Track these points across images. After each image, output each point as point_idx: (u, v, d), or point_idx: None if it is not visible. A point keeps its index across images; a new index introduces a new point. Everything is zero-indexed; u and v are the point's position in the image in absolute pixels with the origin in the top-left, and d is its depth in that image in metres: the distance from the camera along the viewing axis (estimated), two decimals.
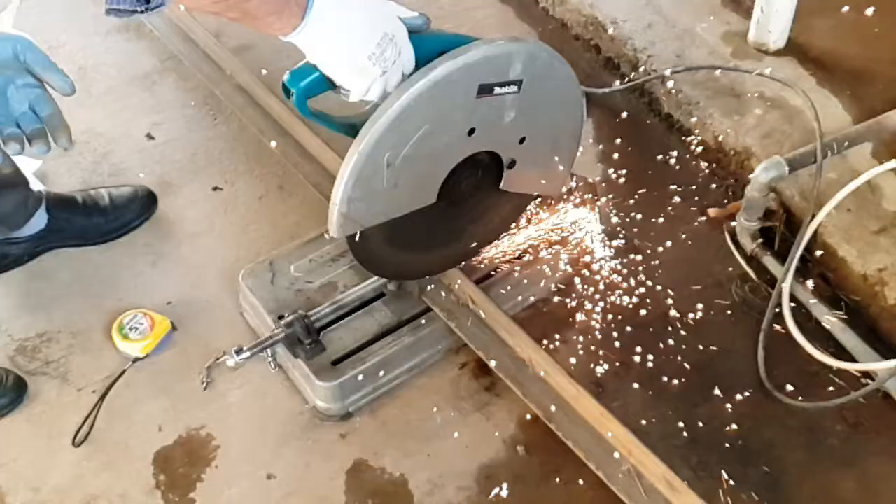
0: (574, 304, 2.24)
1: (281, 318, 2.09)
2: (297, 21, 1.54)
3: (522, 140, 1.92)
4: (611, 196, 2.47)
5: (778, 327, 2.15)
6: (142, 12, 1.36)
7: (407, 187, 1.82)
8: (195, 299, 2.34)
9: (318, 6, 1.54)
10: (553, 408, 1.94)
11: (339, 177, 1.72)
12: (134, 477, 2.01)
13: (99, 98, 2.93)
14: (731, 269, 2.36)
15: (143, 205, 2.54)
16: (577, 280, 2.28)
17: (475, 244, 2.14)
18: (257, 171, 2.65)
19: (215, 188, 2.65)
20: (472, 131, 1.81)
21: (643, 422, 2.03)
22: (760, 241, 2.34)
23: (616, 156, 2.56)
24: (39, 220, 2.39)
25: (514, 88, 1.78)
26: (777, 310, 2.15)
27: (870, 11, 2.73)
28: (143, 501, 1.97)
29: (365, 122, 1.68)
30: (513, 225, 2.20)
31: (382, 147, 1.70)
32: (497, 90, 1.76)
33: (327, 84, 1.67)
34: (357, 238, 1.85)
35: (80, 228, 2.45)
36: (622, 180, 2.51)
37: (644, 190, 2.50)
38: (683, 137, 2.66)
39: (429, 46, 1.70)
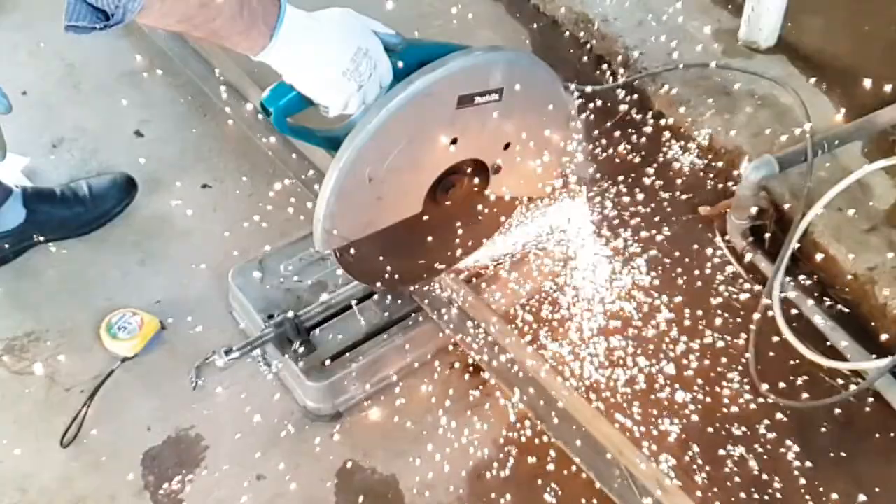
0: (564, 303, 2.24)
1: (271, 317, 2.08)
2: (265, 41, 1.53)
3: (507, 146, 1.91)
4: (601, 194, 2.46)
5: (768, 326, 2.15)
6: (101, 29, 1.36)
7: (391, 199, 1.82)
8: (184, 298, 2.32)
9: (287, 26, 1.53)
10: (544, 408, 1.94)
11: (321, 193, 1.72)
12: (123, 478, 1.99)
13: (87, 95, 2.92)
14: (721, 267, 2.36)
15: (123, 191, 2.53)
16: (567, 279, 2.28)
17: (465, 248, 2.13)
18: (247, 169, 2.64)
19: (204, 186, 2.63)
20: (454, 141, 1.80)
21: (633, 422, 2.03)
22: (751, 239, 2.35)
23: (606, 154, 2.55)
24: (17, 215, 2.38)
25: (494, 97, 1.77)
26: (767, 308, 2.15)
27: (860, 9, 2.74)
28: (132, 502, 1.96)
29: (346, 135, 1.68)
30: (503, 226, 2.19)
31: (363, 163, 1.70)
32: (478, 100, 1.75)
33: (306, 101, 1.66)
34: (344, 250, 1.85)
35: (62, 220, 2.44)
36: (612, 178, 2.51)
37: (635, 188, 2.49)
38: (674, 135, 2.65)
39: (408, 57, 1.69)
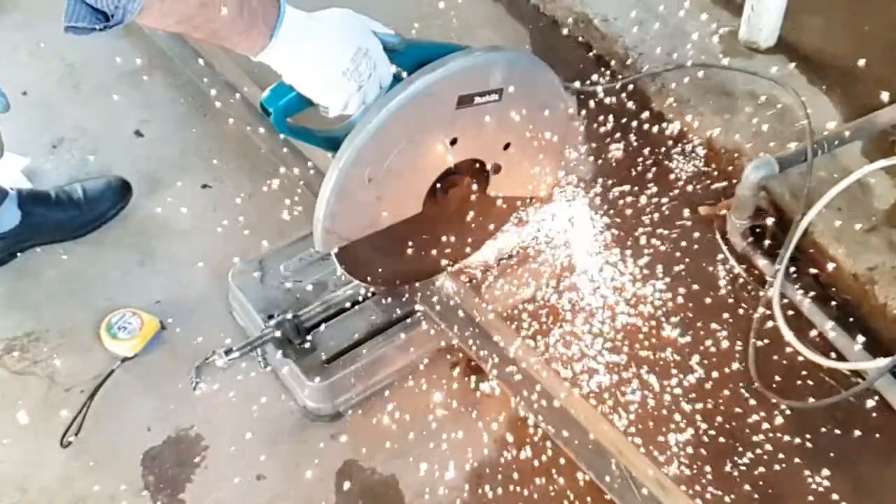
0: (564, 303, 2.24)
1: (271, 317, 2.08)
2: (265, 41, 1.53)
3: (507, 146, 1.91)
4: (601, 194, 2.47)
5: (769, 326, 2.15)
6: (100, 30, 1.36)
7: (391, 199, 1.82)
8: (184, 298, 2.32)
9: (287, 26, 1.53)
10: (544, 408, 1.94)
11: (321, 193, 1.72)
12: (122, 478, 1.99)
13: (87, 95, 2.92)
14: (721, 267, 2.36)
15: (118, 194, 2.52)
16: (567, 279, 2.28)
17: (466, 248, 2.13)
18: (247, 169, 2.64)
19: (204, 186, 2.63)
20: (454, 141, 1.80)
21: (633, 422, 2.03)
22: (751, 239, 2.35)
23: (606, 154, 2.56)
24: (12, 217, 2.37)
25: (494, 97, 1.77)
26: (768, 308, 2.15)
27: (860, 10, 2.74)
28: (132, 502, 1.96)
29: (346, 135, 1.68)
30: (503, 226, 2.19)
31: (363, 163, 1.70)
32: (477, 100, 1.76)
33: (306, 102, 1.66)
34: (344, 249, 1.85)
35: (56, 222, 2.44)
36: (612, 178, 2.51)
37: (635, 188, 2.49)
38: (674, 136, 2.65)
39: (408, 58, 1.69)
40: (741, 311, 2.25)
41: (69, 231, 2.46)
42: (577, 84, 2.75)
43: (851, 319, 2.19)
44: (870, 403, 2.05)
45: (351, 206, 1.76)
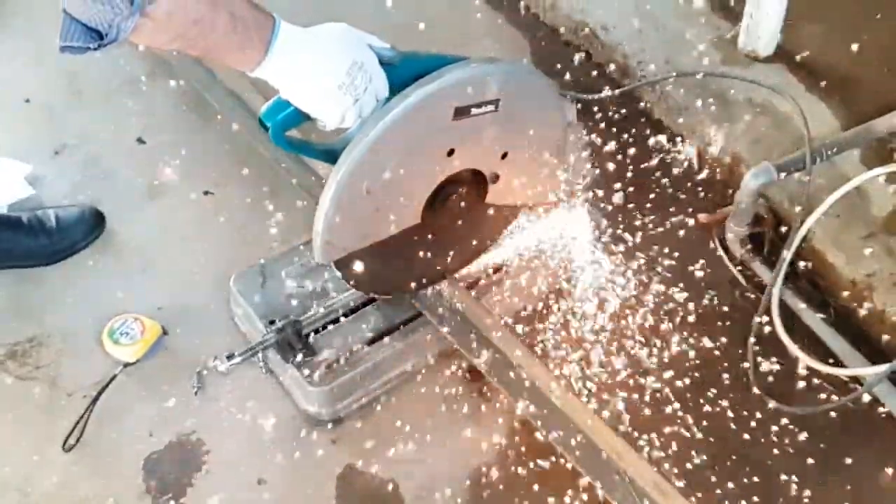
0: (564, 309, 2.25)
1: (272, 322, 2.09)
2: (260, 56, 1.54)
3: (505, 155, 1.92)
4: (600, 202, 2.48)
5: (767, 333, 2.16)
6: (95, 49, 1.37)
7: (389, 210, 1.83)
8: (186, 304, 2.33)
9: (282, 40, 1.54)
10: (544, 413, 1.94)
11: (319, 205, 1.73)
12: (124, 482, 2.00)
13: (89, 102, 2.92)
14: (720, 274, 2.36)
15: (91, 225, 2.50)
16: (567, 286, 2.28)
17: (466, 256, 2.14)
18: (248, 175, 2.64)
19: (206, 192, 2.64)
20: (451, 152, 1.81)
21: (634, 427, 2.03)
22: (750, 246, 2.36)
23: (606, 162, 2.57)
24: None
25: (491, 108, 1.78)
26: (767, 315, 2.16)
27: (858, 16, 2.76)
28: None
29: (344, 148, 1.69)
30: (503, 234, 2.20)
31: (360, 176, 1.71)
32: (474, 111, 1.76)
33: (303, 116, 1.67)
34: (344, 259, 1.86)
35: (27, 249, 2.42)
36: (612, 187, 2.52)
37: (634, 196, 2.50)
38: (673, 143, 2.67)
39: (405, 70, 1.70)
40: (740, 317, 2.25)
41: (39, 259, 2.43)
42: (576, 93, 2.76)
43: (849, 326, 2.20)
44: (867, 409, 2.06)
45: (350, 217, 1.77)
